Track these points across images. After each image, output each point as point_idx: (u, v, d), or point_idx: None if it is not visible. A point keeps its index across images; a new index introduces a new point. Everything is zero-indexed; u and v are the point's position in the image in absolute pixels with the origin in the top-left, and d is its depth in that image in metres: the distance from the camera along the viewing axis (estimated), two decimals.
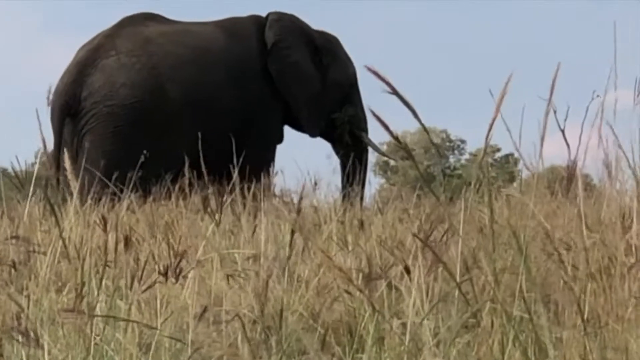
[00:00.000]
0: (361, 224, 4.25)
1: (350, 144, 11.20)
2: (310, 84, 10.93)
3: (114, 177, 6.00)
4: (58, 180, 9.30)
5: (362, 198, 9.96)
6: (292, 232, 2.53)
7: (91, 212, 4.24)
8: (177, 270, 2.84)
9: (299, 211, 2.49)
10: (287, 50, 10.79)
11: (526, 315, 2.39)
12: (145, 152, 8.52)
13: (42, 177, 9.71)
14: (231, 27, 10.79)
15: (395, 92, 1.85)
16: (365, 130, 11.36)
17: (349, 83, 11.37)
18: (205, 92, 10.08)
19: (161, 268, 2.98)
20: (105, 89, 9.70)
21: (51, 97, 9.85)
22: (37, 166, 4.43)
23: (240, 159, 6.77)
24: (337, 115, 11.14)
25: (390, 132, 1.93)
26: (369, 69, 1.82)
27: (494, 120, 2.09)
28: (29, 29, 55.49)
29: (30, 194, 4.36)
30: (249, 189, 5.67)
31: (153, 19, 10.51)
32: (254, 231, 4.18)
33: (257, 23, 10.94)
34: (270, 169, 9.43)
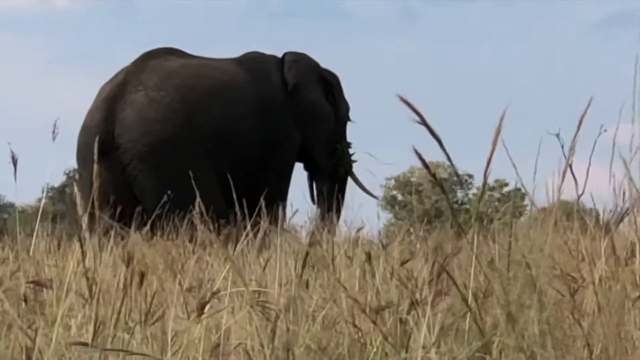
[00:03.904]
0: (368, 257, 4.25)
1: (341, 176, 11.38)
2: (327, 121, 11.14)
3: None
4: (92, 215, 9.30)
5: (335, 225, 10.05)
6: (304, 265, 2.54)
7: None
8: (187, 306, 2.85)
9: (311, 244, 2.49)
10: (306, 90, 10.93)
11: (535, 350, 2.39)
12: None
13: (49, 212, 9.73)
14: (250, 62, 10.90)
15: (424, 123, 1.88)
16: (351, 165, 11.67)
17: (348, 118, 11.75)
18: (231, 124, 10.15)
19: (169, 303, 2.98)
20: (139, 126, 9.72)
21: (78, 135, 9.87)
22: (44, 201, 4.46)
23: (258, 190, 6.79)
24: (339, 148, 11.42)
25: (429, 170, 1.95)
26: (401, 99, 1.83)
27: (491, 156, 2.11)
28: (36, 64, 55.77)
29: (36, 229, 4.36)
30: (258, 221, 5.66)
31: (173, 54, 10.60)
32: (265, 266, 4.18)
33: (275, 61, 11.11)
34: (285, 203, 9.45)
